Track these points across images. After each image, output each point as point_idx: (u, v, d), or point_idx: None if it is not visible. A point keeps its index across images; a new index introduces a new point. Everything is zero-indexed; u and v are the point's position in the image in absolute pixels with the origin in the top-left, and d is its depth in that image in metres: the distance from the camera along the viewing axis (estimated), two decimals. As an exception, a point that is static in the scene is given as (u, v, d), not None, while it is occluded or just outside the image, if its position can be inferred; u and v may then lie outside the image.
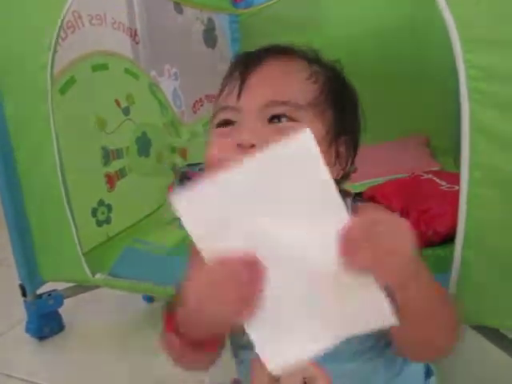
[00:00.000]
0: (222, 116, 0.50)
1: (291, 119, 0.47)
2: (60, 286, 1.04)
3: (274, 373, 0.36)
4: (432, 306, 0.42)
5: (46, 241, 0.98)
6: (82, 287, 1.03)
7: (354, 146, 0.55)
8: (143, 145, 1.27)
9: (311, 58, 0.53)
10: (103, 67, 1.14)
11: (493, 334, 0.75)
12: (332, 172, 0.48)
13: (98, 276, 0.94)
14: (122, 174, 1.19)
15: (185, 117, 1.49)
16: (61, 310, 1.06)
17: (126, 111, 1.22)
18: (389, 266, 0.34)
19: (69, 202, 0.92)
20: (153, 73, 1.37)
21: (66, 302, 1.05)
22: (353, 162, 0.55)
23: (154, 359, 0.91)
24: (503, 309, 0.67)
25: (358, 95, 0.56)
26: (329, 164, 0.49)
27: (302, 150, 0.34)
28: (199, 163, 1.30)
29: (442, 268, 0.68)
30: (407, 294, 0.38)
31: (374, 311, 0.35)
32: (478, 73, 0.57)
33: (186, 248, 1.01)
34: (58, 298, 1.02)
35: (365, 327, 0.36)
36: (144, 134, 1.28)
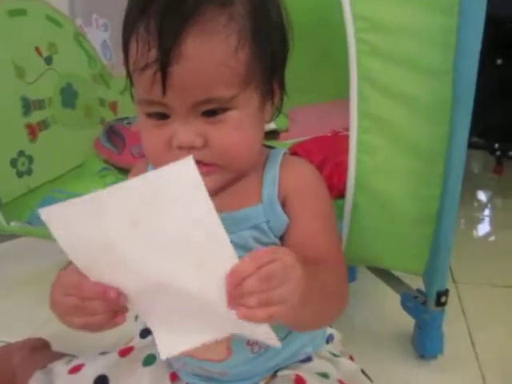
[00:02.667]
0: (150, 109, 0.46)
1: (225, 109, 0.45)
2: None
3: (163, 357, 0.40)
4: (321, 301, 0.45)
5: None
6: (1, 236, 1.02)
7: (282, 80, 0.52)
8: (68, 96, 1.24)
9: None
10: (21, 12, 1.09)
11: (381, 272, 0.82)
12: (268, 124, 0.51)
13: (13, 224, 0.93)
14: (44, 125, 1.16)
15: (115, 69, 1.46)
16: (-21, 260, 1.05)
17: (49, 60, 1.18)
18: (275, 313, 0.36)
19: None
20: (79, 22, 1.33)
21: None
22: (282, 98, 0.53)
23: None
24: (389, 251, 0.72)
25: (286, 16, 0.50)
26: (267, 120, 0.51)
27: (185, 178, 0.33)
28: (127, 117, 1.28)
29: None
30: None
31: (260, 332, 0.38)
32: (364, 24, 0.59)
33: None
34: (-27, 247, 1.01)
35: (249, 336, 0.40)
36: (69, 84, 1.25)
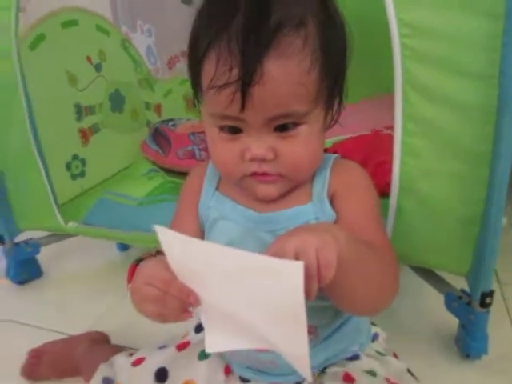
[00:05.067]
0: (225, 123, 0.49)
1: (296, 124, 0.48)
2: (37, 234, 1.10)
3: (208, 351, 0.44)
4: (366, 272, 0.45)
5: (21, 194, 1.02)
6: (57, 236, 1.09)
7: (341, 93, 0.54)
8: (116, 101, 1.30)
9: (304, 13, 0.46)
10: (73, 23, 1.16)
11: (424, 272, 0.82)
12: (321, 143, 0.53)
13: (70, 224, 1.00)
14: (95, 129, 1.23)
15: (159, 73, 1.51)
16: (39, 258, 1.12)
17: (98, 68, 1.24)
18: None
19: (42, 157, 0.97)
20: (125, 29, 1.38)
21: (44, 249, 1.11)
22: (340, 109, 0.55)
23: (125, 301, 0.99)
24: (433, 251, 0.73)
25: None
26: (321, 140, 0.53)
27: (288, 279, 0.36)
28: (172, 119, 1.33)
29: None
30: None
31: (298, 361, 0.41)
32: (408, 30, 0.61)
33: (155, 199, 1.07)
34: (34, 245, 1.08)
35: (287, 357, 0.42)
36: (117, 90, 1.31)
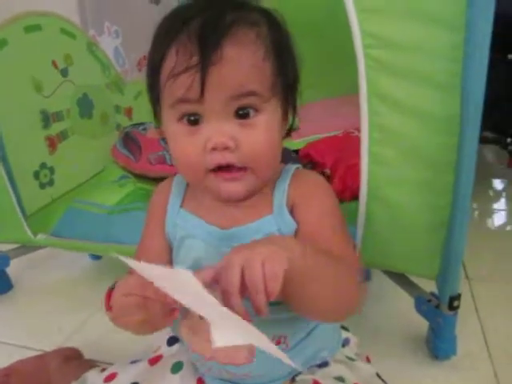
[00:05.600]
0: (184, 109, 0.50)
1: (257, 111, 0.50)
2: (5, 247, 1.07)
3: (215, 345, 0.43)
4: (325, 282, 0.46)
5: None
6: (26, 248, 1.07)
7: (295, 101, 0.56)
8: (85, 106, 1.28)
9: (257, 16, 0.51)
10: (36, 28, 1.12)
11: (396, 275, 0.84)
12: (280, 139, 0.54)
13: (39, 236, 0.98)
14: (63, 136, 1.20)
15: (129, 75, 1.49)
16: (8, 270, 1.10)
17: (65, 72, 1.21)
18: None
19: (7, 167, 0.95)
20: (92, 32, 1.35)
21: (14, 261, 1.08)
22: (294, 118, 0.57)
23: (99, 312, 0.98)
24: (403, 256, 0.74)
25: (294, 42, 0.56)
26: (280, 136, 0.54)
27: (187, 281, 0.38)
28: (143, 123, 1.31)
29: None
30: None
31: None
32: (372, 41, 0.61)
33: (126, 207, 1.06)
34: (3, 258, 1.05)
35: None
36: (85, 95, 1.28)
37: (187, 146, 0.50)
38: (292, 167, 0.59)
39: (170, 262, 0.60)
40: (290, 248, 0.41)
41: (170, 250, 0.60)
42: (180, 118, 0.50)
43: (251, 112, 0.49)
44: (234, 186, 0.51)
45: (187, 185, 0.61)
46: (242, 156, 0.49)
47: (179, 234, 0.58)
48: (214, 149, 0.49)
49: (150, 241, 0.61)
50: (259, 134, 0.50)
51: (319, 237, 0.52)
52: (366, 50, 0.62)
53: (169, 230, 0.59)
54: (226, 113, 0.49)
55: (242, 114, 0.49)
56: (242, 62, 0.47)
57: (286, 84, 0.53)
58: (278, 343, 0.58)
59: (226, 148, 0.48)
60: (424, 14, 0.59)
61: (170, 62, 0.48)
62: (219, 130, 0.49)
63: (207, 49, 0.46)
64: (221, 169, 0.50)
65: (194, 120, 0.50)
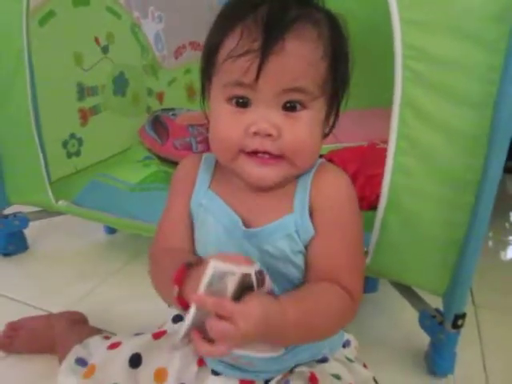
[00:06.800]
0: (236, 92, 0.51)
1: (304, 107, 0.51)
2: (26, 209, 1.11)
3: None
4: (309, 328, 0.50)
5: (14, 166, 1.03)
6: (46, 212, 1.09)
7: (339, 105, 0.57)
8: (120, 84, 1.31)
9: (321, 17, 0.52)
10: (84, 3, 1.16)
11: (403, 288, 0.84)
12: (320, 137, 0.55)
13: (60, 203, 1.00)
14: (95, 110, 1.23)
15: (165, 61, 1.51)
16: (26, 232, 1.13)
17: (105, 49, 1.24)
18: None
19: (39, 132, 0.97)
20: (136, 14, 1.38)
21: (32, 224, 1.12)
22: (334, 124, 0.58)
23: (107, 284, 1.00)
24: (413, 269, 0.74)
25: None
26: (320, 134, 0.55)
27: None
28: (173, 108, 1.33)
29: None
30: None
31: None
32: (412, 52, 0.62)
33: (148, 187, 1.08)
34: (23, 219, 1.09)
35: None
36: (121, 73, 1.31)
37: (230, 124, 0.51)
38: (316, 161, 0.58)
39: (191, 238, 0.60)
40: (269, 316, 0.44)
41: (191, 224, 0.60)
42: (229, 99, 0.51)
43: (298, 106, 0.51)
44: (266, 171, 0.52)
45: (215, 166, 0.61)
46: (281, 145, 0.50)
47: (202, 214, 0.59)
48: (256, 133, 0.50)
49: (174, 213, 0.61)
50: (302, 127, 0.51)
51: (330, 260, 0.54)
52: (405, 60, 0.63)
53: (193, 207, 0.60)
54: (275, 103, 0.50)
55: (289, 106, 0.51)
56: (300, 57, 0.49)
57: (336, 87, 0.54)
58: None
59: (268, 135, 0.50)
60: (465, 32, 0.60)
61: (232, 42, 0.49)
62: (265, 116, 0.50)
63: (271, 37, 0.47)
64: (256, 154, 0.51)
65: (242, 103, 0.51)
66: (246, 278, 0.43)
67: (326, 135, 0.58)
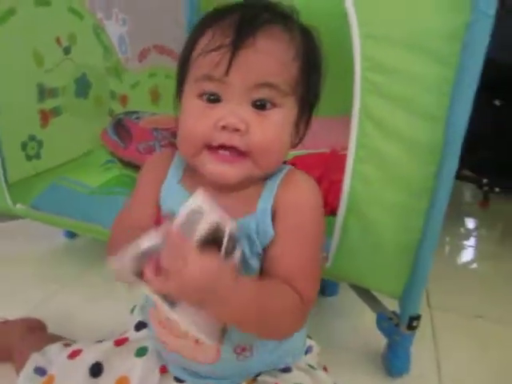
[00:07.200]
0: (206, 87, 0.51)
1: (274, 105, 0.52)
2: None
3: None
4: (259, 313, 0.48)
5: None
6: (3, 216, 1.07)
7: (310, 115, 0.58)
8: (82, 86, 1.28)
9: (294, 26, 0.54)
10: (46, 3, 1.13)
11: (361, 291, 0.87)
12: (288, 140, 0.56)
13: (18, 206, 0.98)
14: (56, 112, 1.20)
15: (128, 64, 1.50)
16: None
17: (67, 50, 1.22)
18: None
19: (-4, 133, 0.95)
20: (100, 15, 1.37)
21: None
22: (304, 133, 0.59)
23: (66, 289, 0.98)
24: (371, 273, 0.77)
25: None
26: (289, 137, 0.55)
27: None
28: (137, 111, 1.32)
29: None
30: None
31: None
32: (369, 63, 0.64)
33: (108, 190, 1.06)
34: (-22, 223, 1.05)
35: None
36: (84, 75, 1.29)
37: (199, 118, 0.52)
38: (286, 166, 0.59)
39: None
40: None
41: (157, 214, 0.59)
42: (200, 95, 0.52)
43: (268, 105, 0.51)
44: (226, 168, 0.51)
45: (188, 164, 0.60)
46: (249, 141, 0.50)
47: (169, 208, 0.57)
48: (224, 127, 0.50)
49: (140, 205, 0.60)
50: (271, 126, 0.52)
51: (288, 264, 0.53)
52: (364, 72, 0.65)
53: (161, 198, 0.59)
54: (245, 100, 0.51)
55: (259, 104, 0.51)
56: (271, 54, 0.50)
57: (307, 92, 0.55)
58: (243, 350, 0.59)
59: (236, 130, 0.50)
60: (423, 47, 0.62)
61: (206, 39, 0.51)
62: (235, 111, 0.50)
63: (241, 33, 0.49)
64: (218, 150, 0.51)
65: (213, 99, 0.51)
66: (218, 232, 0.43)
67: (295, 145, 0.58)
